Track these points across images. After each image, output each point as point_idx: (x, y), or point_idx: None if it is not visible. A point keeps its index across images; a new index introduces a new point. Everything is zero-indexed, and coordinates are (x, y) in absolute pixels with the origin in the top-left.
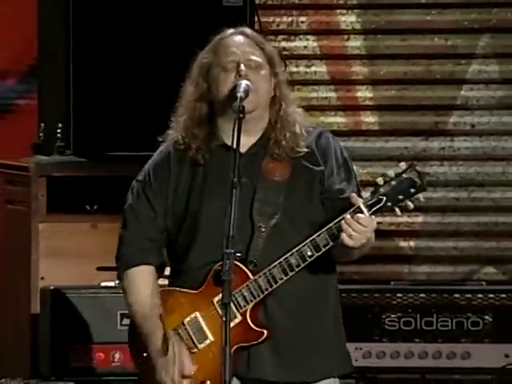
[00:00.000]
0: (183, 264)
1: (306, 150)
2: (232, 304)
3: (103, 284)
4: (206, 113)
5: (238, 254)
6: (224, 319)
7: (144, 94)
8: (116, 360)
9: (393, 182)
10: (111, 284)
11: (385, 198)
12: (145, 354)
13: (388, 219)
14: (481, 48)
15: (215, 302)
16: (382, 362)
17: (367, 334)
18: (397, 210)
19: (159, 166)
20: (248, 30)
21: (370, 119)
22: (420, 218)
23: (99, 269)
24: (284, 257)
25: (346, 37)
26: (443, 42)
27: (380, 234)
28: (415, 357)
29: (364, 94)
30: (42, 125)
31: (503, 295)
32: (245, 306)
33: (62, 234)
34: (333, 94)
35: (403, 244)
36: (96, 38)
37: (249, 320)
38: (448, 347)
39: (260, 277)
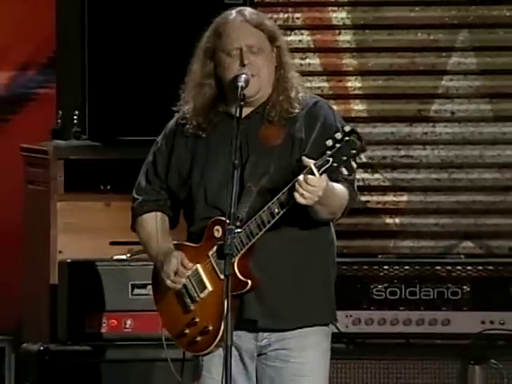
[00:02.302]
0: (190, 220)
1: (296, 111)
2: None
3: (116, 257)
4: (213, 89)
5: (238, 231)
6: (225, 288)
7: (153, 83)
8: (127, 326)
9: (337, 145)
10: (123, 257)
11: (331, 159)
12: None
13: (375, 198)
14: (460, 42)
15: (210, 255)
16: (370, 328)
17: (356, 303)
18: (343, 169)
19: (168, 132)
20: (247, 13)
21: (359, 107)
22: (404, 197)
23: (112, 243)
24: (258, 214)
25: (337, 31)
26: (426, 37)
27: (368, 211)
28: (400, 323)
29: (354, 84)
30: (60, 112)
31: (480, 267)
32: (232, 259)
33: (78, 212)
34: (325, 84)
35: (389, 221)
36: (109, 33)
37: (236, 271)
38: (430, 315)
39: (241, 232)
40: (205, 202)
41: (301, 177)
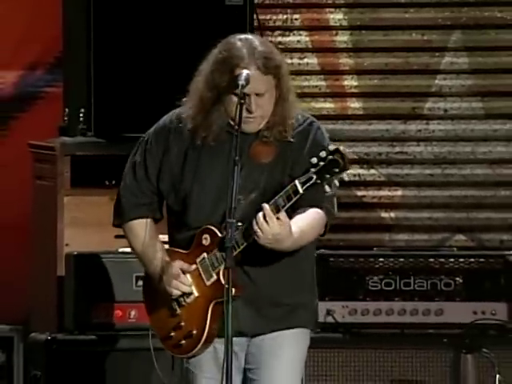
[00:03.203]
0: (178, 226)
1: (291, 140)
2: (209, 265)
3: (120, 250)
4: (214, 101)
5: (239, 224)
6: (226, 279)
7: (156, 82)
8: (132, 317)
9: (321, 163)
10: (127, 250)
11: (315, 177)
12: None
13: (371, 193)
14: (453, 42)
15: (198, 262)
16: (366, 319)
17: (353, 294)
18: (326, 186)
19: (160, 133)
20: (257, 55)
21: (355, 105)
22: (399, 192)
23: (117, 236)
24: (245, 225)
25: (334, 32)
26: (420, 37)
27: (364, 205)
28: (395, 314)
29: (350, 82)
30: (67, 110)
31: (472, 259)
32: (218, 267)
33: (84, 206)
34: (322, 83)
35: (384, 215)
36: (114, 33)
37: (221, 278)
38: (424, 305)
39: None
40: (196, 211)
41: (260, 214)
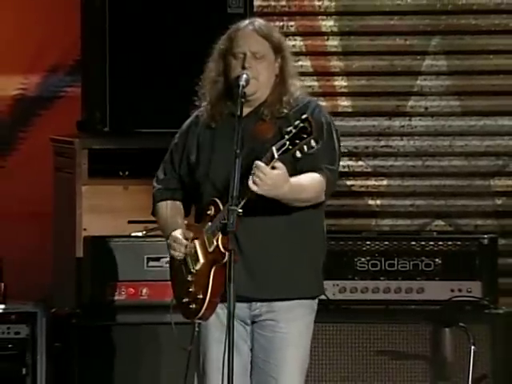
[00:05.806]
0: (196, 204)
1: (285, 111)
2: (211, 233)
3: (133, 234)
4: (223, 86)
5: (240, 210)
6: (228, 262)
7: (164, 83)
8: (143, 294)
9: (293, 130)
10: (139, 234)
11: (288, 143)
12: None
13: (359, 182)
14: (432, 47)
15: (204, 231)
16: (354, 296)
17: (342, 274)
18: (297, 152)
19: (184, 129)
20: (257, 24)
21: (344, 103)
22: (384, 182)
23: (130, 222)
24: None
25: (326, 37)
26: (403, 42)
27: (353, 194)
28: (380, 291)
29: (340, 83)
30: (85, 108)
31: (450, 242)
32: (217, 234)
33: (100, 195)
34: (315, 83)
35: (371, 202)
36: (127, 40)
37: (220, 244)
38: (406, 284)
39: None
40: (212, 186)
41: (258, 162)
